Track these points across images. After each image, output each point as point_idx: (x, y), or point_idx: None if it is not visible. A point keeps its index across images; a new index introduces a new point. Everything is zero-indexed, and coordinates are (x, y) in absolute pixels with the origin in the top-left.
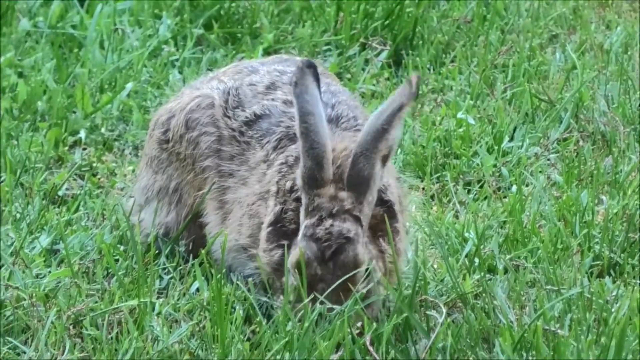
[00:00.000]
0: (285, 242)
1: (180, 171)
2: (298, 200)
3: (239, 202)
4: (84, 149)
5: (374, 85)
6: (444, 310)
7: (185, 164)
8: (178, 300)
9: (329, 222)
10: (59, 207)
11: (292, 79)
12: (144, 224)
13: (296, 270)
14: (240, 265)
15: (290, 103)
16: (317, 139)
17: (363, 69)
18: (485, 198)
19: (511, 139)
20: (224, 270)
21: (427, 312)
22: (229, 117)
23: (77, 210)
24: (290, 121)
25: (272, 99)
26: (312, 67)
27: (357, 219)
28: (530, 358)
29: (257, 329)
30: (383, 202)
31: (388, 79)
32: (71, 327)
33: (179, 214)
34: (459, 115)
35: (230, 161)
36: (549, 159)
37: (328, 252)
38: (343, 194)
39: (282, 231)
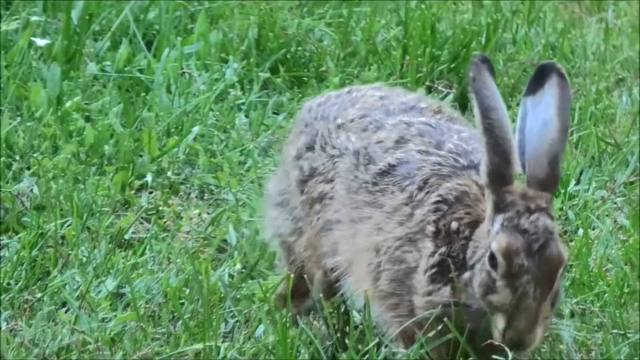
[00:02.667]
0: (453, 275)
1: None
2: (466, 238)
3: (375, 248)
4: (150, 193)
5: None
6: (510, 354)
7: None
8: (243, 343)
9: (533, 215)
10: (125, 250)
11: (470, 74)
12: (272, 224)
13: (504, 258)
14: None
15: (426, 153)
16: (502, 134)
17: None
18: None
19: (578, 182)
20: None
21: (493, 356)
22: (359, 172)
23: (143, 253)
24: (433, 166)
25: (406, 151)
26: (487, 61)
27: (553, 219)
28: None
29: None
30: None
31: None
32: None
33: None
34: None
35: (359, 210)
36: (615, 203)
37: (535, 245)
38: (534, 193)
39: (448, 267)
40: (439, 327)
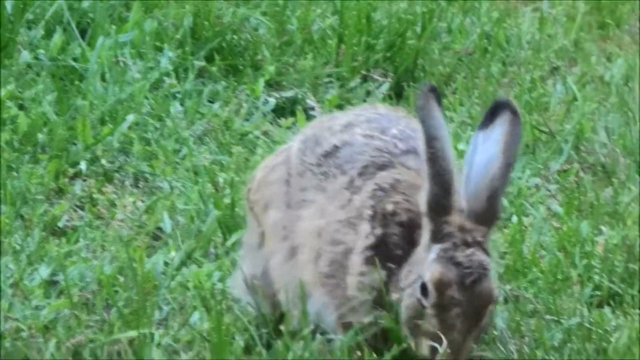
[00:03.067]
0: (393, 266)
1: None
2: (402, 225)
3: (317, 233)
4: (84, 181)
5: None
6: (444, 340)
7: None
8: (178, 331)
9: (469, 249)
10: (58, 238)
11: (417, 103)
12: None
13: (436, 290)
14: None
15: (370, 137)
16: (445, 164)
17: (364, 101)
18: None
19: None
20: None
21: (427, 342)
22: (306, 156)
23: (77, 241)
24: (374, 151)
25: (352, 134)
26: (435, 90)
27: (488, 255)
28: None
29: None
30: None
31: None
32: (70, 358)
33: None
34: (460, 146)
35: (303, 192)
36: (549, 190)
37: (469, 279)
38: (471, 226)
39: (386, 255)
40: (371, 311)
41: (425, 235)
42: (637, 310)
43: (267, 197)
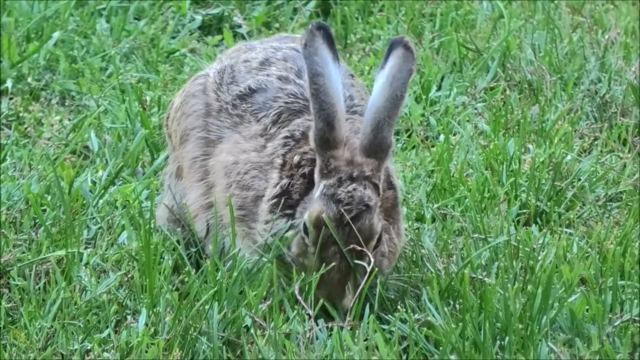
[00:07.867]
0: (289, 212)
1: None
2: (304, 176)
3: (225, 170)
4: (11, 99)
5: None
6: (372, 259)
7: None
8: (106, 250)
9: (351, 185)
10: None
11: (302, 40)
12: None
13: (313, 227)
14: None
15: (286, 79)
16: (327, 99)
17: (291, 18)
18: (413, 147)
19: (439, 88)
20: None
21: (356, 261)
22: (222, 92)
23: (3, 160)
24: (288, 97)
25: (267, 75)
26: (322, 28)
27: (376, 187)
28: (457, 306)
29: (186, 279)
30: (390, 185)
31: None
32: None
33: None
34: None
35: (219, 131)
36: (476, 108)
37: (347, 216)
38: (361, 159)
39: (288, 203)
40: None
41: (316, 172)
42: (564, 229)
43: (185, 130)
